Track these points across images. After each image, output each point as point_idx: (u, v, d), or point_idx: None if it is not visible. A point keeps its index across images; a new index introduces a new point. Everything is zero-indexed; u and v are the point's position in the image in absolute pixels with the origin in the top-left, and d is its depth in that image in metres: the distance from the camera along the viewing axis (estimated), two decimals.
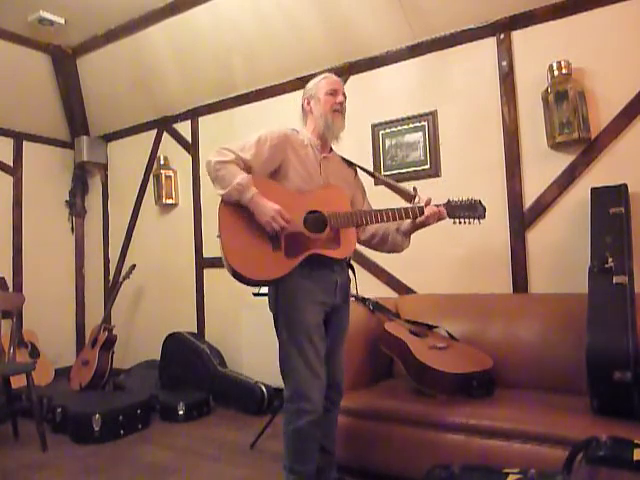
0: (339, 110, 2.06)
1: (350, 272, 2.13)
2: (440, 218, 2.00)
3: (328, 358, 2.01)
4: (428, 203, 2.00)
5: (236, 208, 1.88)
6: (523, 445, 1.92)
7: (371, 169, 3.30)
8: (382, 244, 2.17)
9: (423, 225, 2.02)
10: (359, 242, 2.14)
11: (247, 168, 1.90)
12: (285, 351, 1.93)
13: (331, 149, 2.13)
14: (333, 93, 2.06)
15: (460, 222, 2.02)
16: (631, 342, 1.93)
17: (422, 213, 1.98)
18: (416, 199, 2.12)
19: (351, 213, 1.99)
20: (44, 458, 2.79)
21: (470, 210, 2.01)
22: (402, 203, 2.14)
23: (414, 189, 2.17)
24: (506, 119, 2.95)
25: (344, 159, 2.19)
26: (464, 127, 3.10)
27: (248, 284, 1.93)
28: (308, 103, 2.10)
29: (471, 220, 2.01)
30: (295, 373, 1.90)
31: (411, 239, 2.14)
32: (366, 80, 3.46)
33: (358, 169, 2.23)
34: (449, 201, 2.03)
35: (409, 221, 2.05)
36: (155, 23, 3.87)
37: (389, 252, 2.22)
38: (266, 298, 2.02)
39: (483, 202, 2.03)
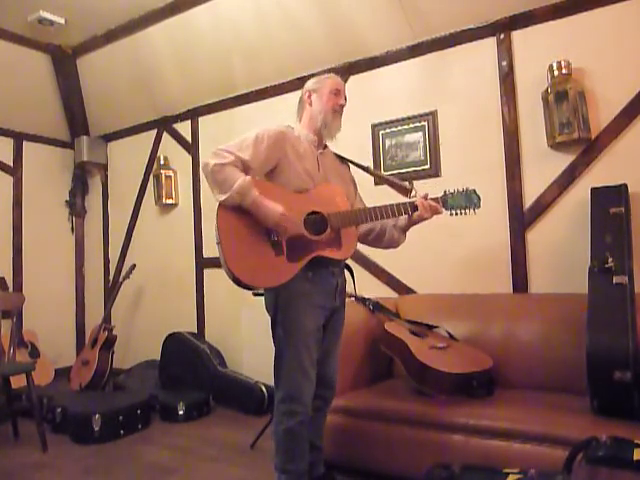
0: (339, 111, 2.06)
1: (348, 273, 2.12)
2: (436, 213, 2.00)
3: (324, 359, 2.02)
4: (425, 197, 2.00)
5: (235, 213, 1.83)
6: (523, 445, 1.92)
7: (371, 168, 3.30)
8: (379, 240, 2.17)
9: (420, 220, 2.01)
10: None
11: (246, 168, 1.86)
12: (281, 354, 1.93)
13: (325, 145, 2.12)
14: (337, 93, 2.06)
15: (456, 213, 2.02)
16: (631, 342, 1.93)
17: (415, 209, 1.97)
18: (412, 192, 2.12)
19: (351, 212, 1.98)
20: (44, 458, 2.79)
21: (466, 200, 2.01)
22: (399, 197, 2.13)
23: (410, 182, 2.17)
24: (506, 119, 2.95)
25: (336, 155, 2.18)
26: (464, 127, 3.10)
27: (251, 290, 1.92)
28: (309, 96, 2.08)
29: (467, 210, 2.01)
30: (289, 376, 1.90)
31: (413, 240, 2.14)
32: (366, 80, 3.46)
33: (351, 164, 2.22)
34: (445, 193, 2.03)
35: (406, 217, 2.04)
36: (155, 23, 3.86)
37: (385, 248, 2.22)
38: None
39: (478, 191, 2.02)
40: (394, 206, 1.97)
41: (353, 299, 2.83)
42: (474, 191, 2.02)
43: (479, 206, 2.01)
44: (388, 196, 2.25)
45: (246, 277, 1.81)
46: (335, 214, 1.94)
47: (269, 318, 1.99)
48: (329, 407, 2.15)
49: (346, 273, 2.14)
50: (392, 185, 2.18)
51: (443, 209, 2.01)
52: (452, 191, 2.02)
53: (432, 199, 2.01)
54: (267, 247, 1.84)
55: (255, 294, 2.78)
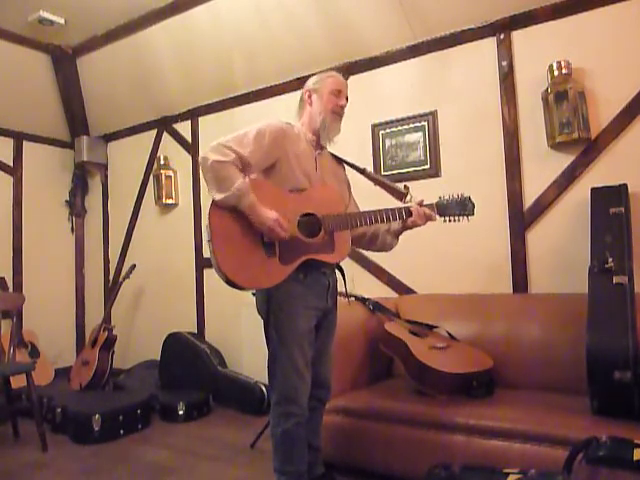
0: (339, 113, 2.04)
1: (339, 273, 2.10)
2: (430, 220, 2.00)
3: (318, 359, 2.01)
4: (420, 204, 2.00)
5: (229, 212, 1.81)
6: (523, 445, 1.92)
7: (371, 169, 3.29)
8: (371, 243, 2.17)
9: (414, 226, 2.01)
10: None
11: (244, 165, 1.85)
12: (275, 356, 1.92)
13: (323, 145, 2.09)
14: (337, 94, 2.03)
15: (450, 220, 2.01)
16: (631, 342, 1.93)
17: (410, 215, 1.97)
18: (407, 197, 2.11)
19: (345, 216, 1.97)
20: (44, 458, 2.79)
21: (460, 207, 2.00)
22: (393, 201, 2.12)
23: (405, 187, 2.15)
24: (506, 119, 2.95)
25: (333, 155, 2.17)
26: (464, 127, 3.10)
27: (242, 290, 1.88)
28: (309, 96, 2.05)
29: (460, 217, 2.00)
30: (284, 378, 1.90)
31: (413, 240, 2.14)
32: (366, 80, 3.46)
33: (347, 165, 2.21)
34: (440, 199, 2.02)
35: (399, 222, 2.03)
36: (155, 23, 3.86)
37: (377, 251, 2.22)
38: None
39: (472, 198, 2.01)
40: (389, 211, 1.96)
41: (347, 300, 2.80)
42: (469, 198, 2.00)
43: (472, 214, 2.00)
44: (389, 197, 2.24)
45: (237, 277, 1.79)
46: (329, 217, 1.92)
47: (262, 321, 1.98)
48: (325, 407, 2.15)
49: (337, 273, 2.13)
50: (387, 189, 2.16)
51: (437, 216, 2.00)
52: (447, 197, 2.00)
53: (426, 205, 2.00)
54: (260, 248, 1.83)
55: (255, 294, 2.78)
